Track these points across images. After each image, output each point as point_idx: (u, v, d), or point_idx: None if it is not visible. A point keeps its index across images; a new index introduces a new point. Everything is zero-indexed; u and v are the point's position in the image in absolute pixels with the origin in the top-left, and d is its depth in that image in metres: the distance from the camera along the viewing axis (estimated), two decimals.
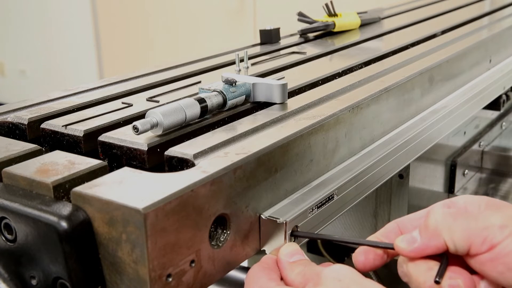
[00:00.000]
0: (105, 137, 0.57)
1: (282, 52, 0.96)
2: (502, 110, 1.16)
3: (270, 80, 0.68)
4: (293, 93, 0.73)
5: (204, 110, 0.61)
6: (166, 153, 0.53)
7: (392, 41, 1.06)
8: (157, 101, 0.68)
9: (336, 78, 0.80)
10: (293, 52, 0.95)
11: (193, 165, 0.51)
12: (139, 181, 0.47)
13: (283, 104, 0.67)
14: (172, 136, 0.57)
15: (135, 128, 0.54)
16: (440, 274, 0.48)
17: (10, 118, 0.63)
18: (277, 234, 0.55)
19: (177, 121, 0.57)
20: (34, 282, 0.48)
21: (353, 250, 1.01)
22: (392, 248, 0.53)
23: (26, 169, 0.50)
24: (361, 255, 0.54)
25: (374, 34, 1.11)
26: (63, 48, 4.15)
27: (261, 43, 1.03)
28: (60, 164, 0.50)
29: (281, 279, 0.52)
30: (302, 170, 0.60)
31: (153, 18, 3.73)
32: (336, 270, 0.49)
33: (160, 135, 0.57)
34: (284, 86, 0.66)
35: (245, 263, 0.58)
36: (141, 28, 3.79)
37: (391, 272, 1.02)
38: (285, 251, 0.54)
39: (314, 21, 1.10)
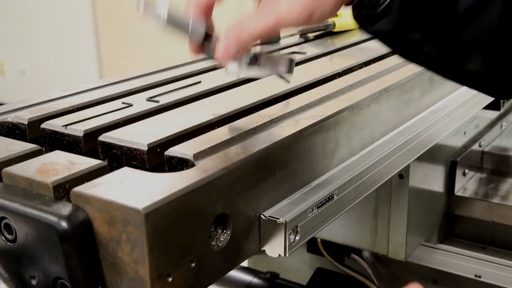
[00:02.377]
0: (105, 137, 0.57)
1: (282, 52, 0.96)
2: (502, 110, 1.16)
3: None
4: (293, 93, 0.73)
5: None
6: (166, 153, 0.53)
7: None
8: (157, 101, 0.68)
9: (336, 78, 0.80)
10: (293, 52, 0.95)
11: (193, 165, 0.51)
12: (139, 181, 0.47)
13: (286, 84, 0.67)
14: (172, 136, 0.57)
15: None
16: None
17: (10, 118, 0.63)
18: (277, 234, 0.55)
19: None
20: (34, 282, 0.48)
21: (353, 250, 1.01)
22: None
23: (26, 169, 0.50)
24: None
25: None
26: (63, 48, 4.15)
27: (261, 43, 1.03)
28: (60, 164, 0.50)
29: None
30: (302, 170, 0.60)
31: None
32: None
33: (161, 136, 0.57)
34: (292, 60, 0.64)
35: (245, 263, 0.58)
36: (141, 28, 3.79)
37: (391, 272, 1.02)
38: None
39: None
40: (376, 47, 1.04)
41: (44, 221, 0.45)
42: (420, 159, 0.82)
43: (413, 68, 0.84)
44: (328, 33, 1.12)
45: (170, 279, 0.45)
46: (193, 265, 0.47)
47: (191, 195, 0.46)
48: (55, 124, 0.60)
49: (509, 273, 1.04)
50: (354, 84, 0.76)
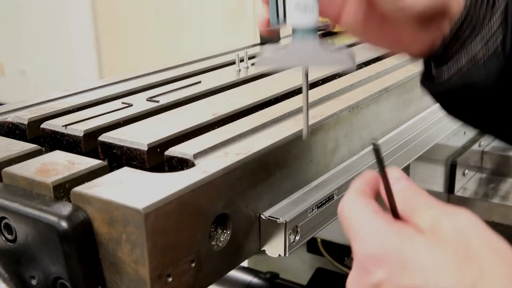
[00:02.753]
0: (105, 137, 0.57)
1: None
2: None
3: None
4: (293, 93, 0.73)
5: None
6: (166, 153, 0.53)
7: None
8: (157, 101, 0.68)
9: (336, 78, 0.80)
10: None
11: (193, 165, 0.51)
12: (139, 181, 0.47)
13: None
14: (172, 136, 0.57)
15: None
16: None
17: (10, 118, 0.63)
18: (277, 234, 0.55)
19: None
20: (34, 282, 0.48)
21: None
22: None
23: (26, 169, 0.50)
24: None
25: None
26: (63, 48, 4.15)
27: (261, 43, 1.03)
28: (60, 164, 0.50)
29: None
30: (302, 170, 0.60)
31: (153, 18, 3.73)
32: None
33: (161, 136, 0.57)
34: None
35: (245, 263, 0.58)
36: (141, 28, 3.79)
37: None
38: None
39: None
40: None
41: (44, 221, 0.45)
42: (420, 159, 0.82)
43: (413, 68, 0.84)
44: (328, 33, 1.11)
45: (170, 279, 0.45)
46: (193, 265, 0.47)
47: (191, 195, 0.46)
48: (55, 124, 0.60)
49: None
50: (354, 84, 0.76)
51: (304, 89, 0.52)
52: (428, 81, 0.56)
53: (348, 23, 0.53)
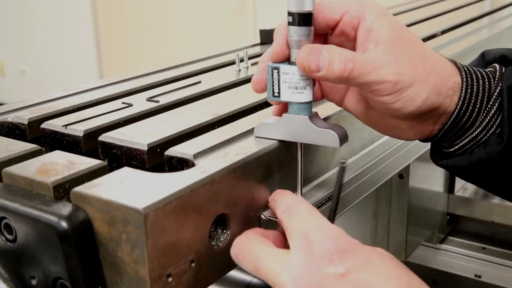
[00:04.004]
0: (105, 137, 0.57)
1: None
2: None
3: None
4: None
5: None
6: (166, 153, 0.53)
7: None
8: (157, 101, 0.68)
9: None
10: None
11: (193, 165, 0.51)
12: (139, 181, 0.47)
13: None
14: (172, 136, 0.57)
15: None
16: None
17: (10, 118, 0.63)
18: None
19: None
20: (34, 282, 0.48)
21: None
22: None
23: (26, 169, 0.50)
24: None
25: None
26: (63, 48, 4.15)
27: (261, 43, 1.03)
28: (60, 164, 0.50)
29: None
30: (302, 170, 0.60)
31: (153, 18, 3.73)
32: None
33: (161, 136, 0.57)
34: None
35: None
36: (141, 28, 3.79)
37: None
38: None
39: None
40: None
41: (44, 221, 0.45)
42: (420, 159, 0.82)
43: None
44: None
45: (170, 279, 0.45)
46: (193, 265, 0.48)
47: (191, 195, 0.46)
48: (55, 124, 0.61)
49: (509, 273, 1.04)
50: None
51: (298, 158, 0.57)
52: (436, 155, 0.59)
53: (349, 109, 0.58)
